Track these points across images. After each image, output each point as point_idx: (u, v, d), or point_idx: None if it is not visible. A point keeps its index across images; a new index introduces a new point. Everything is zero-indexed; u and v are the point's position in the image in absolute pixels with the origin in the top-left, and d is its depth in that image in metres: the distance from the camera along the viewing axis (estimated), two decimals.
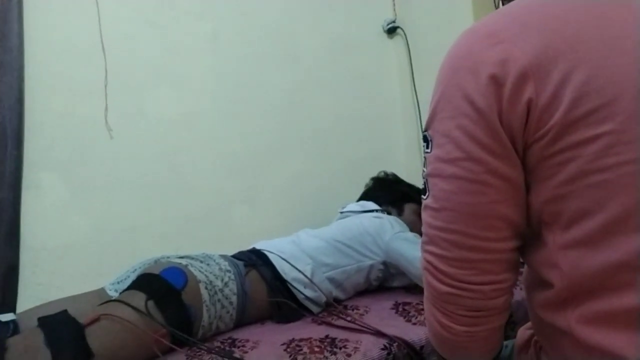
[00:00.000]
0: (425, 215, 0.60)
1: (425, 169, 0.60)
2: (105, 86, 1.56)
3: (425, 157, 0.60)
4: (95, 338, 0.95)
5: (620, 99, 0.47)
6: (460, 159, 0.54)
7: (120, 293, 1.13)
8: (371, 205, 1.61)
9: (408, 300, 1.31)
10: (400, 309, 1.25)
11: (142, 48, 1.64)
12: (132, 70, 1.62)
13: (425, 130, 0.60)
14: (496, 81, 0.51)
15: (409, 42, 2.12)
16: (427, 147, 0.59)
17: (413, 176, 1.99)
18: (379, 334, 1.07)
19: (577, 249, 0.51)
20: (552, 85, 0.49)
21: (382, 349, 1.02)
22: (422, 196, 0.61)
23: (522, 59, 0.50)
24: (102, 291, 1.24)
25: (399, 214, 1.60)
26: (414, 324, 1.14)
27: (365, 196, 1.73)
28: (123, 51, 1.60)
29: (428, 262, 0.59)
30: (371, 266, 1.38)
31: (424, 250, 0.60)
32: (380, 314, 1.23)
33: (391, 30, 2.20)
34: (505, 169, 0.53)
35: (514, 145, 0.52)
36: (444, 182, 0.56)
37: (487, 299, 0.57)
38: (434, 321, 0.62)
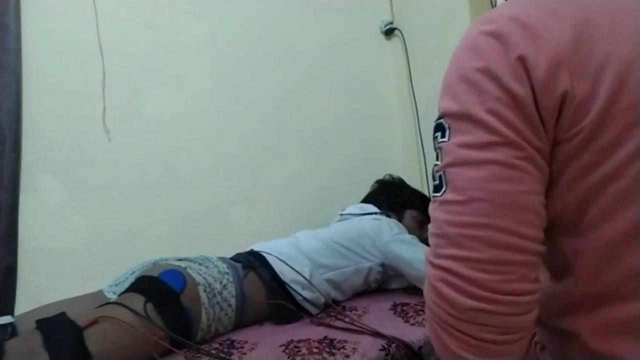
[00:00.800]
0: (441, 213, 0.50)
1: (440, 162, 0.51)
2: (103, 87, 1.55)
3: (440, 148, 0.51)
4: (93, 340, 0.95)
5: None
6: (494, 144, 0.47)
7: (119, 295, 1.13)
8: (371, 208, 1.61)
9: (406, 301, 1.31)
10: (399, 310, 1.25)
11: (139, 49, 1.64)
12: (130, 71, 1.61)
13: (441, 118, 0.52)
14: (527, 64, 0.46)
15: (407, 43, 2.12)
16: (444, 136, 0.51)
17: (411, 176, 2.00)
18: (377, 334, 1.07)
19: (594, 256, 0.48)
20: (589, 78, 0.45)
21: (381, 350, 1.02)
22: (435, 194, 0.51)
23: (556, 46, 0.45)
24: (100, 293, 1.24)
25: (399, 219, 1.60)
26: (412, 324, 1.15)
27: (367, 198, 1.73)
28: (121, 52, 1.59)
29: (447, 270, 0.48)
30: (370, 268, 1.38)
31: (439, 256, 0.49)
32: (379, 314, 1.24)
33: (389, 32, 2.20)
34: (542, 160, 0.48)
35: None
36: (472, 170, 0.48)
37: (520, 313, 0.47)
38: (444, 353, 0.50)
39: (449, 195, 0.49)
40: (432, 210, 0.52)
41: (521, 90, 0.46)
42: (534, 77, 0.46)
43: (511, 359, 0.49)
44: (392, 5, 2.19)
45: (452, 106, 0.50)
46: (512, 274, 0.46)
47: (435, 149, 0.52)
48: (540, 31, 0.47)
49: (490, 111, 0.47)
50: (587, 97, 0.45)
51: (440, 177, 0.51)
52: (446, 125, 0.51)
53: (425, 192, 1.94)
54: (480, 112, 0.48)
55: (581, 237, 0.49)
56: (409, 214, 1.64)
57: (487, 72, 0.48)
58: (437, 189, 0.51)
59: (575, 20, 0.47)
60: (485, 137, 0.47)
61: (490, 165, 0.47)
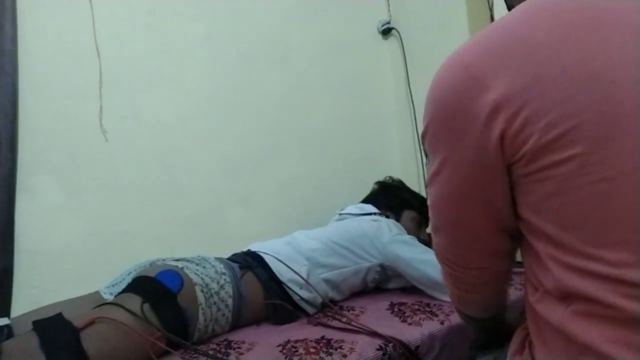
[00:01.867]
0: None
1: (427, 164, 0.68)
2: (100, 88, 1.55)
3: (427, 152, 0.65)
4: (90, 341, 0.95)
5: (586, 123, 0.50)
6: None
7: (116, 296, 1.13)
8: (370, 208, 1.61)
9: (404, 300, 1.31)
10: (396, 310, 1.25)
11: (136, 50, 1.64)
12: (126, 72, 1.61)
13: (423, 126, 0.63)
14: (476, 115, 0.55)
15: (404, 43, 2.13)
16: (425, 140, 0.64)
17: (408, 177, 2.00)
18: (374, 334, 1.07)
19: (561, 261, 0.53)
20: (523, 116, 0.52)
21: (378, 350, 1.02)
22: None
23: (494, 93, 0.53)
24: (97, 294, 1.24)
25: (397, 219, 1.60)
26: (410, 324, 1.15)
27: (367, 199, 1.74)
28: (117, 53, 1.59)
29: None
30: (368, 268, 1.38)
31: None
32: (376, 314, 1.24)
33: (386, 32, 2.20)
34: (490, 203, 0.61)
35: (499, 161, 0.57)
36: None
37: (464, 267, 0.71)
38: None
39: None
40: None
41: (476, 139, 0.59)
42: (478, 125, 0.56)
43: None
44: (389, 5, 2.20)
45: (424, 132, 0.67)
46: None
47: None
48: (485, 82, 0.55)
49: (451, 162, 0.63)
50: (520, 131, 0.53)
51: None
52: (425, 133, 0.66)
53: (423, 193, 1.94)
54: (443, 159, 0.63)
55: (546, 243, 0.55)
56: (407, 215, 1.65)
57: (449, 129, 0.61)
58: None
59: (521, 64, 0.53)
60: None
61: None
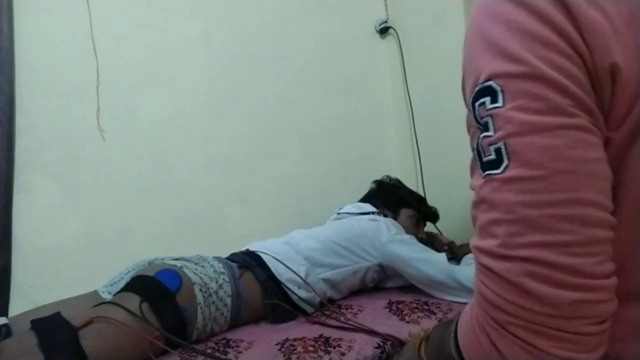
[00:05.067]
0: (511, 195, 0.41)
1: (493, 132, 0.43)
2: (97, 87, 1.55)
3: (492, 115, 0.43)
4: (89, 341, 0.95)
5: None
6: (571, 107, 0.40)
7: (114, 295, 1.13)
8: (368, 207, 1.62)
9: (402, 299, 1.31)
10: (394, 308, 1.26)
11: (133, 49, 1.64)
12: (124, 71, 1.61)
13: (488, 80, 0.43)
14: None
15: (401, 42, 2.13)
16: (496, 101, 0.42)
17: (406, 176, 2.01)
18: (372, 332, 1.07)
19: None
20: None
21: (376, 348, 1.03)
22: (491, 171, 0.43)
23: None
24: (95, 294, 1.23)
25: (395, 217, 1.61)
26: (407, 322, 1.15)
27: (365, 198, 1.74)
28: (115, 52, 1.59)
29: (533, 260, 0.40)
30: (367, 268, 1.39)
31: (518, 247, 0.41)
32: (374, 313, 1.24)
33: (383, 30, 2.20)
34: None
35: None
36: (547, 138, 0.40)
37: (612, 299, 0.42)
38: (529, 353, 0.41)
39: (517, 171, 0.41)
40: (493, 190, 0.43)
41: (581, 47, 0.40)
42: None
43: (600, 352, 0.42)
44: (386, 4, 2.20)
45: (506, 65, 0.42)
46: (603, 255, 0.40)
47: (481, 115, 0.44)
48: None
49: (559, 69, 0.40)
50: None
51: (498, 150, 0.42)
52: (498, 88, 0.42)
53: (421, 192, 1.95)
54: (548, 70, 0.40)
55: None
56: (405, 213, 1.65)
57: (547, 22, 0.40)
58: (493, 164, 0.43)
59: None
60: (559, 99, 0.40)
61: (572, 130, 0.40)
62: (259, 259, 1.31)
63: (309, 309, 1.28)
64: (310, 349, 1.02)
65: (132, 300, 1.04)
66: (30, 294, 1.40)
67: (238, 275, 1.25)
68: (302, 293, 1.27)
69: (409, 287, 1.38)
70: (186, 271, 1.15)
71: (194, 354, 1.03)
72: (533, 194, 0.40)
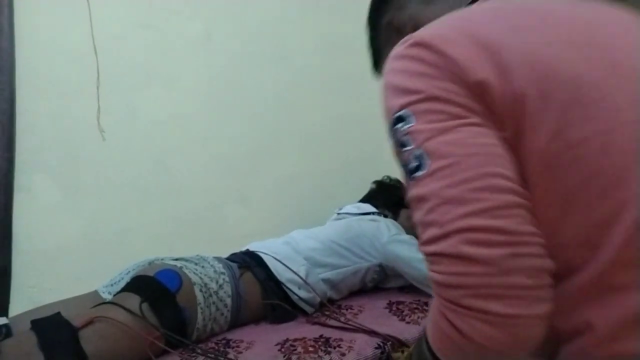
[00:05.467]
0: (435, 184, 0.50)
1: (411, 145, 0.53)
2: (98, 87, 1.55)
3: (408, 133, 0.53)
4: (89, 341, 0.95)
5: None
6: (465, 111, 0.51)
7: (114, 295, 1.13)
8: (368, 207, 1.62)
9: (402, 299, 1.32)
10: (394, 308, 1.26)
11: (134, 49, 1.64)
12: (124, 71, 1.61)
13: (399, 111, 0.55)
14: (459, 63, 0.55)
15: None
16: (408, 123, 0.54)
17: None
18: (372, 333, 1.08)
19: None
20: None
21: (376, 348, 1.03)
22: (417, 173, 0.52)
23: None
24: (95, 294, 1.24)
25: (395, 218, 1.61)
26: (408, 322, 1.15)
27: (365, 198, 1.74)
28: (115, 52, 1.59)
29: (467, 229, 0.46)
30: (367, 268, 1.39)
31: (451, 221, 0.48)
32: (374, 313, 1.24)
33: None
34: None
35: None
36: (452, 134, 0.50)
37: (544, 255, 0.48)
38: (477, 316, 0.46)
39: (436, 165, 0.50)
40: (422, 186, 0.51)
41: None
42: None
43: (545, 307, 0.47)
44: None
45: (408, 97, 0.55)
46: (521, 217, 0.48)
47: (401, 137, 0.55)
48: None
49: (445, 90, 0.53)
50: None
51: (419, 156, 0.52)
52: (408, 113, 0.54)
53: None
54: (437, 92, 0.53)
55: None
56: (404, 213, 1.65)
57: (427, 63, 0.55)
58: (417, 168, 0.52)
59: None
60: (452, 109, 0.52)
61: (468, 127, 0.51)
62: (259, 259, 1.31)
63: (309, 309, 1.28)
64: (311, 349, 1.03)
65: (132, 301, 1.04)
66: (31, 294, 1.40)
67: (238, 275, 1.25)
68: (302, 293, 1.27)
69: (409, 288, 1.38)
70: (186, 271, 1.15)
71: (194, 354, 1.03)
72: (451, 177, 0.49)
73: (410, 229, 1.60)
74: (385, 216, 1.59)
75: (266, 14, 1.92)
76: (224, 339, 1.15)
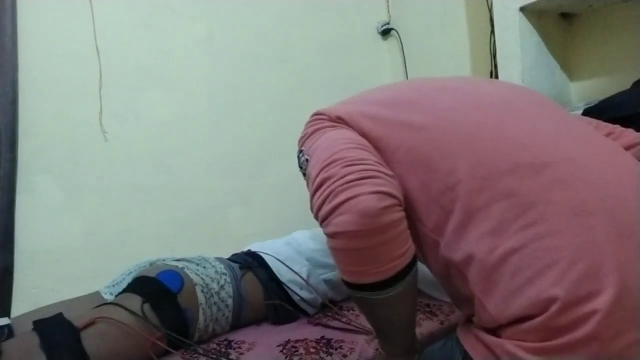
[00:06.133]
0: (310, 162, 0.75)
1: (302, 157, 0.82)
2: (100, 89, 1.55)
3: (301, 153, 0.84)
4: (91, 341, 0.95)
5: None
6: (329, 127, 0.83)
7: (116, 296, 1.13)
8: None
9: None
10: None
11: (136, 50, 1.64)
12: (126, 73, 1.61)
13: (301, 147, 0.86)
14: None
15: (404, 44, 2.13)
16: (302, 153, 0.83)
17: None
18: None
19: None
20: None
21: (378, 350, 1.02)
22: (306, 168, 0.76)
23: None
24: (97, 295, 1.24)
25: None
26: None
27: None
28: (118, 53, 1.59)
29: (322, 166, 0.69)
30: None
31: (314, 168, 0.71)
32: None
33: (385, 32, 2.20)
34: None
35: None
36: (321, 137, 0.79)
37: (369, 164, 0.69)
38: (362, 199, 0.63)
39: (311, 152, 0.78)
40: (307, 170, 0.76)
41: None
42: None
43: (373, 187, 0.64)
44: (388, 6, 2.20)
45: (304, 140, 0.87)
46: (355, 150, 0.71)
47: (300, 160, 0.84)
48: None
49: (321, 125, 0.85)
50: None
51: (307, 159, 0.78)
52: (303, 148, 0.85)
53: None
54: (318, 127, 0.84)
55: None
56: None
57: (318, 118, 0.89)
58: (306, 166, 0.78)
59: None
60: (326, 130, 0.82)
61: (332, 129, 0.81)
62: (261, 260, 1.31)
63: (310, 310, 1.28)
64: (312, 350, 1.03)
65: (134, 301, 1.04)
66: (33, 294, 1.40)
67: (240, 276, 1.25)
68: (304, 294, 1.27)
69: None
70: (188, 272, 1.15)
71: (195, 355, 1.03)
72: (317, 152, 0.75)
73: None
74: None
75: (269, 15, 1.92)
76: (225, 339, 1.15)
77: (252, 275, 1.27)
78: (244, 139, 1.84)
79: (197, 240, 1.69)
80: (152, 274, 1.13)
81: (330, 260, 1.34)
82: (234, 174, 1.81)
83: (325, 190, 0.65)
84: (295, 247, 1.37)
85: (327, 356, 1.00)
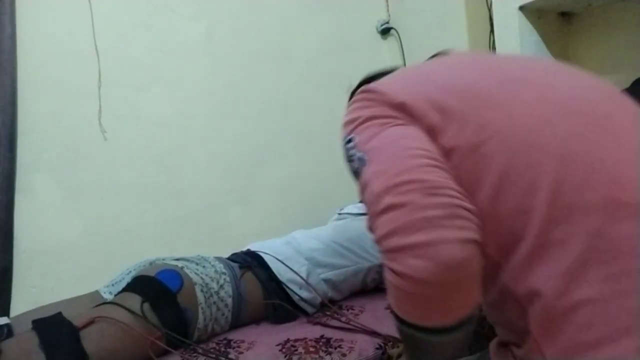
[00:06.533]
0: (370, 170, 0.64)
1: (355, 153, 0.68)
2: (99, 87, 1.55)
3: (353, 147, 0.68)
4: (90, 341, 0.95)
5: None
6: (387, 123, 0.67)
7: (115, 295, 1.13)
8: None
9: None
10: None
11: (135, 49, 1.64)
12: (125, 72, 1.61)
13: (349, 135, 0.71)
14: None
15: (403, 43, 2.13)
16: (353, 141, 0.69)
17: None
18: (373, 333, 1.07)
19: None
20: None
21: (377, 349, 1.02)
22: (361, 169, 0.65)
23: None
24: (96, 294, 1.24)
25: None
26: None
27: None
28: (116, 52, 1.59)
29: (390, 187, 0.58)
30: (369, 269, 1.38)
31: (381, 184, 0.60)
32: (375, 313, 1.24)
33: (385, 31, 2.20)
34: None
35: None
36: (380, 135, 0.66)
37: (457, 196, 0.58)
38: (441, 243, 0.54)
39: (370, 156, 0.65)
40: (364, 175, 0.65)
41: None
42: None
43: (464, 233, 0.55)
44: (388, 5, 2.20)
45: (353, 125, 0.71)
46: (432, 172, 0.60)
47: (349, 151, 0.70)
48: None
49: (377, 111, 0.69)
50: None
51: (360, 157, 0.67)
52: (353, 135, 0.70)
53: None
54: (372, 114, 0.69)
55: None
56: None
57: (364, 99, 0.72)
58: (361, 166, 0.66)
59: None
60: (382, 120, 0.67)
61: (392, 127, 0.66)
62: (260, 259, 1.31)
63: (310, 310, 1.28)
64: (312, 349, 1.02)
65: (134, 301, 1.04)
66: (32, 294, 1.40)
67: (239, 275, 1.25)
68: (304, 293, 1.27)
69: None
70: (187, 271, 1.15)
71: (195, 354, 1.03)
72: (379, 158, 0.64)
73: None
74: None
75: (268, 14, 1.92)
76: (225, 339, 1.15)
77: (251, 274, 1.27)
78: (243, 138, 1.84)
79: (197, 239, 1.69)
80: (152, 273, 1.12)
81: (330, 260, 1.34)
82: (234, 173, 1.81)
83: (396, 219, 0.56)
84: (295, 246, 1.37)
85: (326, 355, 1.00)
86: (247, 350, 1.06)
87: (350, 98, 1.01)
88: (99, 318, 0.99)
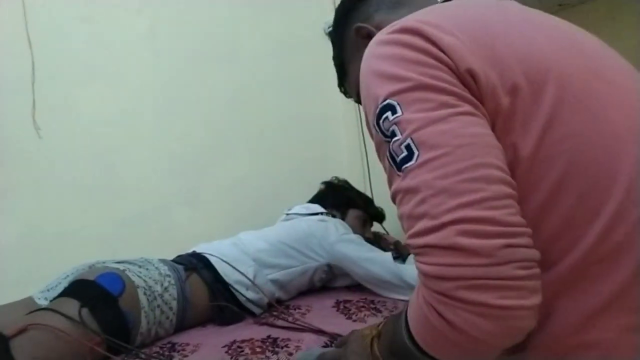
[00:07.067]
0: (427, 174, 0.49)
1: (398, 136, 0.52)
2: (33, 82, 1.47)
3: (397, 123, 0.52)
4: (21, 350, 0.90)
5: None
6: (455, 100, 0.51)
7: (51, 301, 1.08)
8: (316, 208, 1.63)
9: (349, 298, 1.34)
10: (342, 307, 1.28)
11: (72, 42, 1.57)
12: (62, 66, 1.54)
13: (385, 100, 0.53)
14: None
15: None
16: (397, 112, 0.52)
17: (355, 177, 2.04)
18: (320, 332, 1.09)
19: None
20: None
21: (324, 347, 1.04)
22: (407, 164, 0.51)
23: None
24: (30, 300, 1.17)
25: (342, 218, 1.64)
26: (355, 321, 1.18)
27: (313, 199, 1.76)
28: (52, 45, 1.52)
29: (461, 220, 0.46)
30: (316, 268, 1.40)
31: (444, 213, 0.47)
32: (322, 312, 1.25)
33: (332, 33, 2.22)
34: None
35: None
36: (443, 124, 0.50)
37: (532, 246, 0.48)
38: (473, 317, 0.45)
39: (427, 155, 0.49)
40: (412, 178, 0.50)
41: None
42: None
43: (537, 299, 0.47)
44: (335, 7, 2.22)
45: (396, 85, 0.53)
46: (512, 207, 0.48)
47: (388, 128, 0.53)
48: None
49: (435, 77, 0.52)
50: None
51: (408, 146, 0.51)
52: (395, 102, 0.52)
53: (368, 193, 1.99)
54: (427, 80, 0.52)
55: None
56: (352, 213, 1.68)
57: (417, 49, 0.54)
58: (407, 159, 0.51)
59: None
60: (442, 97, 0.51)
61: (459, 116, 0.50)
62: (206, 261, 1.29)
63: (257, 310, 1.27)
64: (258, 350, 1.02)
65: (71, 306, 1.00)
66: None
67: (184, 277, 1.23)
68: (250, 294, 1.27)
69: (356, 287, 1.41)
70: (129, 274, 1.11)
71: (137, 359, 1.01)
72: (444, 167, 0.48)
73: (358, 229, 1.63)
74: (334, 216, 1.61)
75: (215, 11, 1.89)
76: (169, 342, 1.12)
77: (196, 276, 1.25)
78: (190, 137, 1.81)
79: (141, 241, 1.65)
80: (91, 277, 1.08)
81: (277, 260, 1.35)
82: (180, 173, 1.78)
83: (460, 264, 0.46)
84: (241, 247, 1.36)
85: (273, 355, 1.00)
86: (192, 354, 1.05)
87: (337, 37, 0.93)
88: (32, 325, 0.94)
